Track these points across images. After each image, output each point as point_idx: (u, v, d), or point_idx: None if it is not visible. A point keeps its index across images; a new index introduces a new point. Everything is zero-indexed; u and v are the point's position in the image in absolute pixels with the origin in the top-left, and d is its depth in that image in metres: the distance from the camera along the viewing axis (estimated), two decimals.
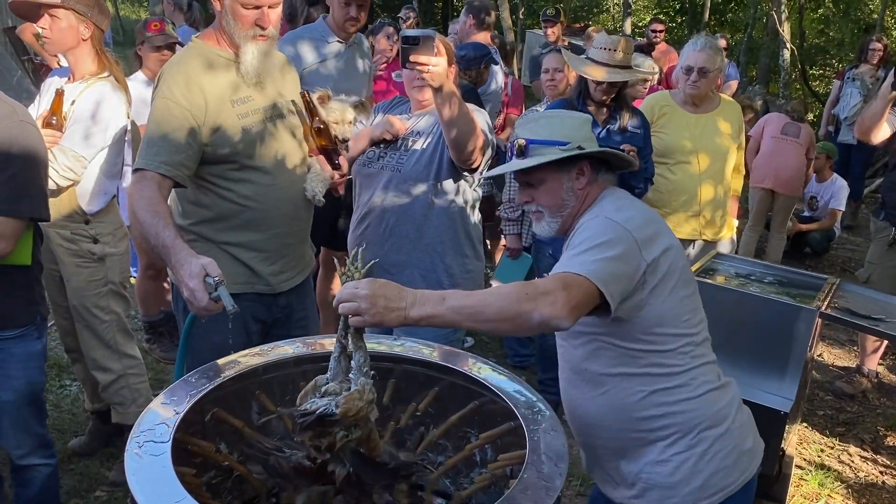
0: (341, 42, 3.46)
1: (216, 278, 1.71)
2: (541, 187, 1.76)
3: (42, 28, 2.60)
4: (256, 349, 1.90)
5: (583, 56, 3.38)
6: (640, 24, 16.16)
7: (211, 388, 1.67)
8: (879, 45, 7.25)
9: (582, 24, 12.02)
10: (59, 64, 3.35)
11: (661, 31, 7.74)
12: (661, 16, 15.23)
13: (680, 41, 12.98)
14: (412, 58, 1.98)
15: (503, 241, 4.24)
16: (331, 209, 3.47)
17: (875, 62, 7.15)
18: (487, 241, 5.80)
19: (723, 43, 6.71)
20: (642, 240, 1.62)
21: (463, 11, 4.62)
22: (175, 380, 1.73)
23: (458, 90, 2.16)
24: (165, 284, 3.89)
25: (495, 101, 4.59)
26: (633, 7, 14.24)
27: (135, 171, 2.00)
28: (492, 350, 4.40)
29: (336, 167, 2.33)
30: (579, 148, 1.72)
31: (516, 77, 6.03)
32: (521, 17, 15.54)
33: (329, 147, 2.32)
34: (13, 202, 2.07)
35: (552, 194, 1.75)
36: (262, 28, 2.06)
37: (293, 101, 2.29)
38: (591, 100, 3.24)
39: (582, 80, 3.26)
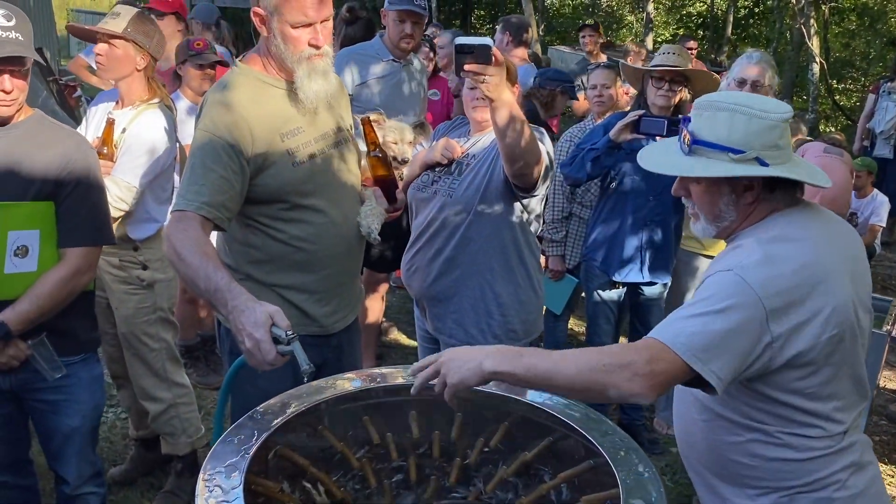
0: (397, 61, 3.40)
1: (288, 332, 1.56)
2: (696, 187, 1.52)
3: (98, 54, 2.56)
4: (316, 384, 1.81)
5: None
6: (660, 39, 16.10)
7: (278, 425, 1.59)
8: None
9: (605, 41, 11.96)
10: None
11: (694, 49, 7.63)
12: (681, 30, 15.18)
13: (700, 56, 12.90)
14: (467, 67, 1.83)
15: (543, 261, 4.13)
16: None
17: None
18: None
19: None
20: (775, 309, 1.36)
21: (499, 28, 4.55)
22: (215, 435, 1.59)
23: (516, 105, 2.02)
24: (201, 309, 3.84)
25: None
26: (654, 23, 14.18)
27: (174, 211, 1.85)
28: None
29: (393, 200, 2.17)
30: (756, 162, 1.42)
31: None
32: (541, 33, 15.51)
33: (387, 177, 2.17)
34: (97, 231, 2.11)
35: (708, 202, 1.51)
36: (317, 47, 1.89)
37: (349, 129, 2.15)
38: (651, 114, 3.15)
39: (640, 97, 3.20)
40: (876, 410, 4.07)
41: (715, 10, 15.81)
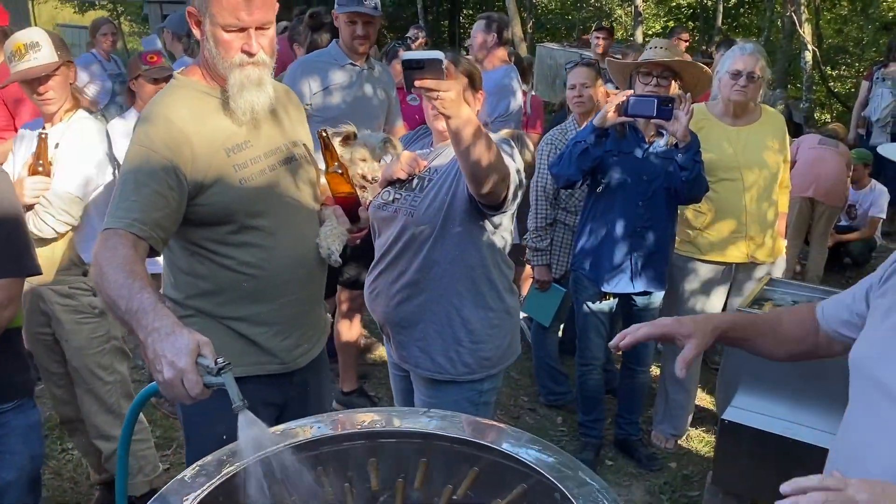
0: (355, 65, 3.26)
1: (219, 361, 1.37)
2: None
3: (46, 95, 2.45)
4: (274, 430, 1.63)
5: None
6: (650, 32, 15.91)
7: (214, 486, 1.41)
8: None
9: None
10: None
11: (686, 41, 7.44)
12: (671, 23, 15.00)
13: (692, 48, 12.72)
14: (418, 83, 1.66)
15: (528, 270, 3.96)
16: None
17: None
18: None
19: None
20: None
21: (482, 27, 4.36)
22: (118, 484, 1.41)
23: (476, 120, 1.83)
24: None
25: (516, 122, 4.34)
26: (643, 16, 13.99)
27: (102, 230, 1.65)
28: (523, 387, 4.11)
29: (355, 219, 2.01)
30: None
31: (534, 93, 5.78)
32: (530, 30, 15.33)
33: (349, 195, 2.00)
34: (16, 261, 1.93)
35: None
36: (250, 54, 1.73)
37: (304, 144, 1.97)
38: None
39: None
40: None
41: (705, 0, 15.64)
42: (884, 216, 6.06)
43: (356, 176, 2.04)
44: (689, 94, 2.94)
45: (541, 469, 1.50)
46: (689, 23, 16.21)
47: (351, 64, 3.26)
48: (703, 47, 11.32)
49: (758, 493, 2.66)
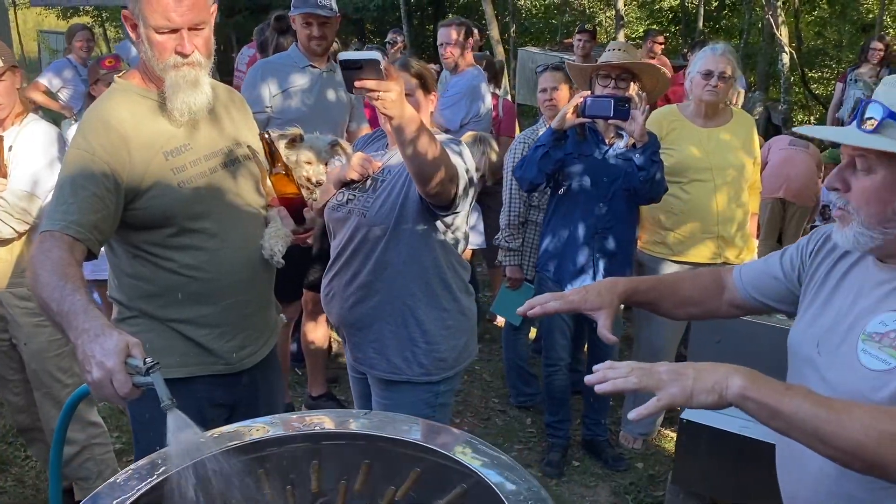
0: (316, 68, 3.25)
1: (147, 361, 1.37)
2: (863, 179, 1.26)
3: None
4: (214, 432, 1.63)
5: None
6: (634, 35, 15.99)
7: (145, 489, 1.41)
8: (880, 45, 7.06)
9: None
10: None
11: (660, 45, 7.50)
12: (653, 26, 15.07)
13: (675, 51, 12.78)
14: (357, 84, 1.66)
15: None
16: (304, 250, 3.24)
17: (876, 62, 6.95)
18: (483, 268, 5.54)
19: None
20: None
21: (457, 33, 4.34)
22: (52, 490, 1.41)
23: (419, 119, 1.83)
24: None
25: (486, 124, 4.35)
26: (625, 19, 14.06)
27: (39, 233, 1.67)
28: (494, 389, 4.11)
29: (301, 220, 2.00)
30: None
31: (507, 97, 5.80)
32: (513, 34, 15.37)
33: (294, 196, 1.99)
34: None
35: (877, 197, 1.25)
36: (184, 55, 1.73)
37: (249, 146, 1.97)
38: None
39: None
40: None
41: (686, 3, 15.72)
42: None
43: (301, 178, 2.04)
44: (645, 95, 2.96)
45: (477, 469, 1.51)
46: (671, 26, 16.32)
47: (311, 66, 3.26)
48: (685, 50, 11.39)
49: (717, 491, 2.68)
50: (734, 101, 5.96)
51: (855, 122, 1.28)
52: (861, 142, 1.24)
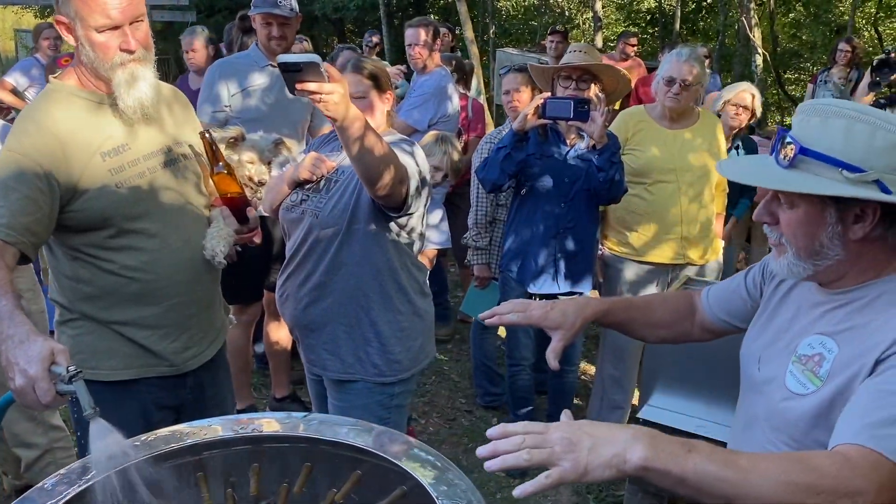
0: (276, 67, 3.23)
1: (70, 369, 1.36)
2: (790, 213, 1.24)
3: None
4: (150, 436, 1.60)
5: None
6: (613, 38, 16.06)
7: (72, 494, 1.38)
8: (847, 47, 7.12)
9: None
10: None
11: (633, 46, 7.54)
12: (631, 27, 15.14)
13: (653, 53, 12.85)
14: (298, 86, 1.65)
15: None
16: (265, 251, 3.22)
17: (844, 63, 7.01)
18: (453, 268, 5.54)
19: (704, 51, 6.54)
20: None
21: (425, 34, 4.33)
22: None
23: (364, 120, 1.82)
24: None
25: (453, 125, 4.34)
26: (603, 21, 14.12)
27: None
28: (462, 390, 4.11)
29: (244, 220, 1.97)
30: (876, 186, 1.16)
31: (479, 98, 5.80)
32: (492, 35, 15.38)
33: (236, 195, 1.97)
34: None
35: (803, 231, 1.23)
36: (130, 51, 1.71)
37: (191, 145, 1.95)
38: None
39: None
40: None
41: (664, 5, 15.82)
42: None
43: (243, 178, 2.02)
44: (604, 96, 2.96)
45: (413, 473, 1.50)
46: (649, 28, 16.40)
47: (271, 65, 3.24)
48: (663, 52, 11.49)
49: (673, 490, 2.68)
50: (705, 104, 6.01)
51: (774, 155, 1.27)
52: (772, 184, 1.22)
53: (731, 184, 3.91)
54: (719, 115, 4.04)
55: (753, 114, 4.22)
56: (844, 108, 1.20)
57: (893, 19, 14.13)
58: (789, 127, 1.27)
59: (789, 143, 1.21)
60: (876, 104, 3.30)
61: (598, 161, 2.90)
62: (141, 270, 1.83)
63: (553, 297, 3.23)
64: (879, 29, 13.90)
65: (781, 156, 1.23)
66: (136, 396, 1.89)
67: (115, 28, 1.69)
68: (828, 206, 1.20)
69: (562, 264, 3.13)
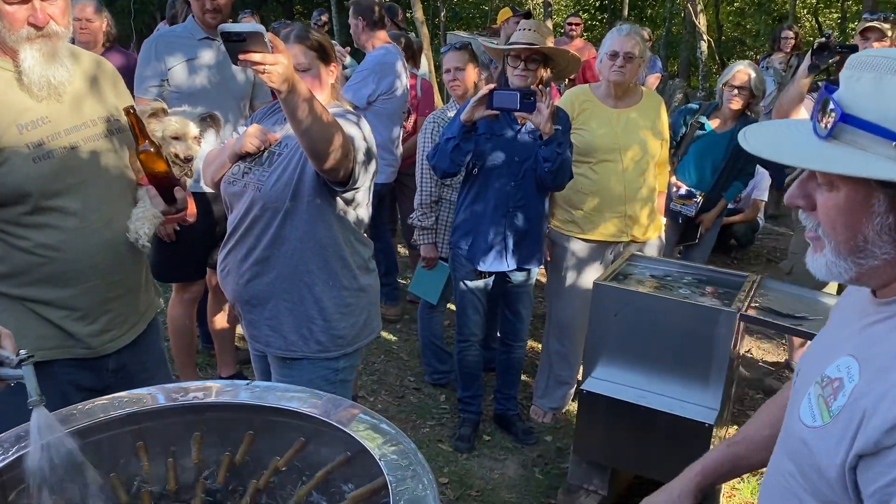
0: (214, 40, 3.16)
1: (24, 352, 1.30)
2: (827, 196, 0.97)
3: None
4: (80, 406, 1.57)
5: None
6: (563, 23, 16.18)
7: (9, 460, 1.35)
8: (791, 34, 7.33)
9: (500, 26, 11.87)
10: None
11: (577, 25, 7.62)
12: (580, 13, 15.27)
13: (601, 38, 13.01)
14: (241, 56, 1.61)
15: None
16: (207, 228, 3.16)
17: (787, 50, 7.23)
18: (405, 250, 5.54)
19: (645, 34, 6.64)
20: None
21: (351, 14, 4.32)
22: None
23: (308, 91, 1.79)
24: None
25: (400, 103, 4.32)
26: (553, 6, 14.20)
27: None
28: (410, 368, 4.12)
29: (171, 200, 1.88)
30: None
31: (427, 77, 5.78)
32: (443, 19, 15.33)
33: (164, 174, 1.87)
34: None
35: (843, 221, 0.96)
36: (37, 27, 1.63)
37: (117, 119, 1.86)
38: None
39: (502, 76, 3.07)
40: (752, 384, 4.08)
41: None
42: (765, 199, 6.34)
43: (170, 154, 1.95)
44: (549, 89, 2.99)
45: (360, 438, 1.50)
46: (598, 14, 16.58)
47: (209, 38, 3.17)
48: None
49: (616, 460, 2.75)
50: (646, 85, 6.09)
51: (813, 122, 0.98)
52: (797, 160, 0.96)
53: (725, 163, 3.96)
54: (720, 98, 3.92)
55: (752, 93, 3.83)
56: None
57: (832, 9, 14.56)
58: (836, 83, 0.97)
59: (831, 110, 0.94)
60: (814, 87, 3.39)
61: (543, 152, 2.93)
62: (58, 250, 1.75)
63: (503, 274, 3.27)
64: (819, 19, 14.32)
65: (822, 124, 0.95)
66: (51, 377, 1.78)
67: (25, 2, 1.62)
68: (875, 191, 0.92)
69: (511, 242, 3.16)
